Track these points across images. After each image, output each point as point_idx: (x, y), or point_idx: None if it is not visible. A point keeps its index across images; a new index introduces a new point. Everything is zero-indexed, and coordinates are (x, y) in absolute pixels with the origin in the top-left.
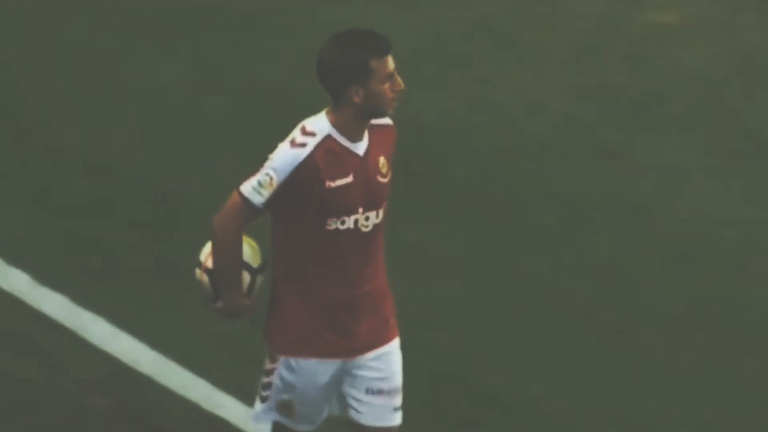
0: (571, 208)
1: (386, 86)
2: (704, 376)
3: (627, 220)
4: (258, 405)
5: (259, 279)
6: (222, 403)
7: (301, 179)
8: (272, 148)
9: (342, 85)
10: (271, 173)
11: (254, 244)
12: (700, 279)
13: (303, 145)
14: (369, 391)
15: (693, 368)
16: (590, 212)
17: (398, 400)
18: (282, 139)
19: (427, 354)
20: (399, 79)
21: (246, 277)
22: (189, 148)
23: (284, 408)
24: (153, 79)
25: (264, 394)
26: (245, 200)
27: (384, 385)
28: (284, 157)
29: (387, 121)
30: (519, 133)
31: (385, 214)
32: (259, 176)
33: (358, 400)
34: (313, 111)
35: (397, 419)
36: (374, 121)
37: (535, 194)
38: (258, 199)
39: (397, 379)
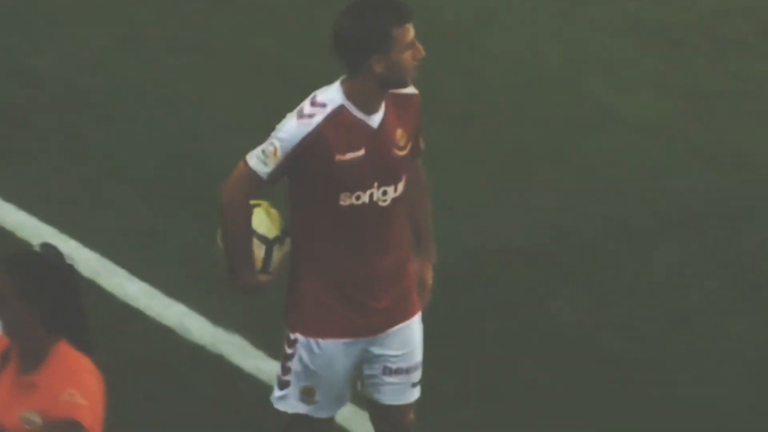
0: None
1: (407, 54)
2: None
3: None
4: (277, 391)
5: (277, 251)
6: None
7: (308, 152)
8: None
9: (363, 55)
10: (276, 144)
11: (274, 213)
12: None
13: (310, 116)
14: (387, 371)
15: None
16: None
17: (417, 376)
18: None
19: None
20: (419, 46)
21: (260, 249)
22: None
23: (306, 394)
24: None
25: (284, 378)
26: (250, 170)
27: (402, 364)
28: (290, 129)
29: (410, 90)
30: None
31: (408, 186)
32: (264, 146)
33: (376, 380)
34: None
35: (414, 395)
36: (394, 91)
37: None
38: (263, 170)
39: (417, 355)
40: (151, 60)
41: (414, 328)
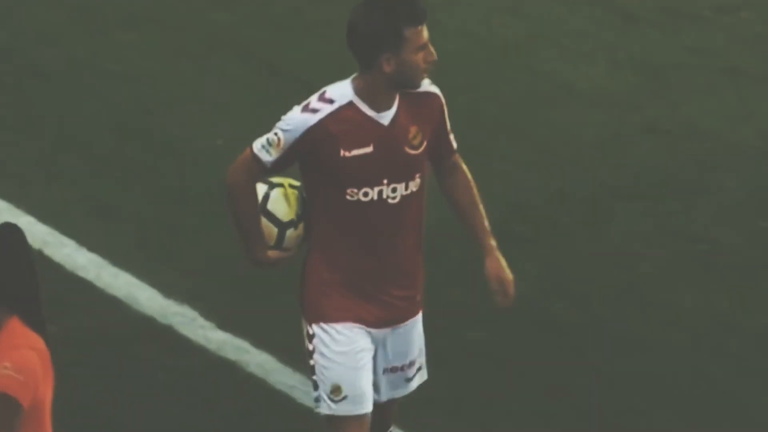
0: None
1: (419, 56)
2: None
3: None
4: (313, 392)
5: (291, 233)
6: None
7: (311, 145)
8: None
9: (373, 52)
10: (280, 134)
11: (293, 194)
12: None
13: (315, 111)
14: (385, 371)
15: None
16: None
17: (412, 371)
18: None
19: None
20: (432, 50)
21: (273, 230)
22: None
23: (334, 393)
24: None
25: (313, 378)
26: (254, 156)
27: (398, 362)
28: (294, 120)
29: (431, 89)
30: None
31: (423, 185)
32: (270, 135)
33: (374, 377)
34: None
35: (409, 388)
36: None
37: None
38: (266, 158)
39: (414, 352)
40: (104, 33)
41: (417, 327)
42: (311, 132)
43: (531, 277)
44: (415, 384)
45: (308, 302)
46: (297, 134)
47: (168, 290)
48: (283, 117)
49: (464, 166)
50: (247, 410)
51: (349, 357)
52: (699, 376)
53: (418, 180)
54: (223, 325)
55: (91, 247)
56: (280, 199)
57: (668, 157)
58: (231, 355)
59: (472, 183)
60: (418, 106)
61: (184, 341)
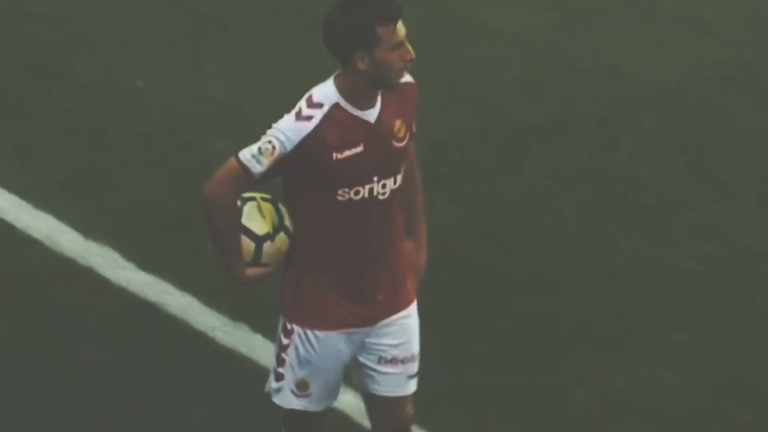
0: None
1: (394, 55)
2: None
3: None
4: (273, 382)
5: (268, 247)
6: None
7: (307, 153)
8: None
9: (346, 50)
10: (275, 142)
11: (267, 207)
12: None
13: (309, 118)
14: (382, 361)
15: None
16: None
17: (413, 368)
18: None
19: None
20: (409, 48)
21: (250, 245)
22: None
23: (300, 387)
24: None
25: (279, 370)
26: (243, 167)
27: (398, 353)
28: (289, 129)
29: (406, 78)
30: None
31: (405, 178)
32: (261, 144)
33: (372, 370)
34: None
35: (411, 387)
36: None
37: None
38: (256, 168)
39: (414, 346)
40: None
41: (411, 318)
42: (308, 140)
43: (451, 218)
44: (415, 384)
45: (291, 303)
46: (294, 142)
47: (89, 231)
48: (274, 126)
49: (414, 152)
50: (168, 351)
51: (324, 360)
52: (618, 315)
53: (402, 173)
54: (144, 267)
55: (11, 189)
56: (254, 213)
57: (588, 96)
58: (152, 296)
59: (418, 168)
60: (398, 98)
61: (105, 282)
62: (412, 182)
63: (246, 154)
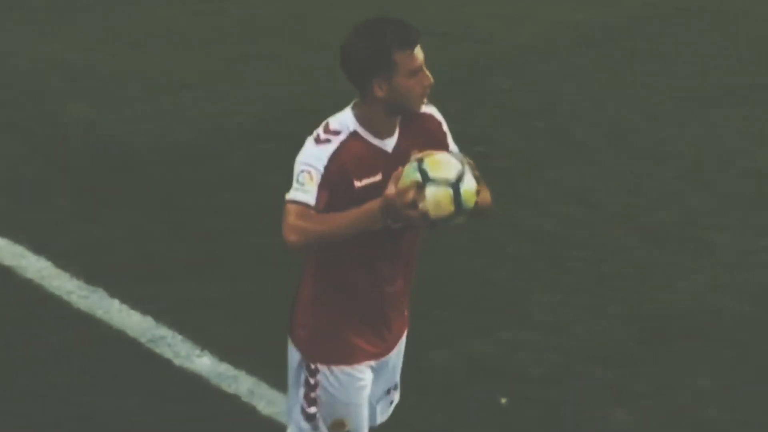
0: None
1: (412, 81)
2: None
3: None
4: (304, 423)
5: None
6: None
7: (334, 175)
8: None
9: (364, 77)
10: (307, 168)
11: (434, 160)
12: None
13: (327, 141)
14: (388, 391)
15: None
16: None
17: (397, 393)
18: None
19: None
20: (428, 73)
21: (447, 192)
22: None
23: (336, 427)
24: None
25: (310, 411)
26: (297, 203)
27: (389, 385)
28: (312, 153)
29: (426, 110)
30: None
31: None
32: (296, 178)
33: (377, 401)
34: None
35: (389, 413)
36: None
37: None
38: (307, 198)
39: (399, 371)
40: None
41: (402, 343)
42: (334, 159)
43: None
44: (393, 406)
45: (312, 342)
46: (323, 161)
47: None
48: (297, 159)
49: None
50: (23, 315)
51: (352, 394)
52: (479, 279)
53: None
54: None
55: None
56: (436, 162)
57: (446, 59)
58: (8, 260)
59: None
60: (415, 129)
61: None
62: None
63: (292, 194)
